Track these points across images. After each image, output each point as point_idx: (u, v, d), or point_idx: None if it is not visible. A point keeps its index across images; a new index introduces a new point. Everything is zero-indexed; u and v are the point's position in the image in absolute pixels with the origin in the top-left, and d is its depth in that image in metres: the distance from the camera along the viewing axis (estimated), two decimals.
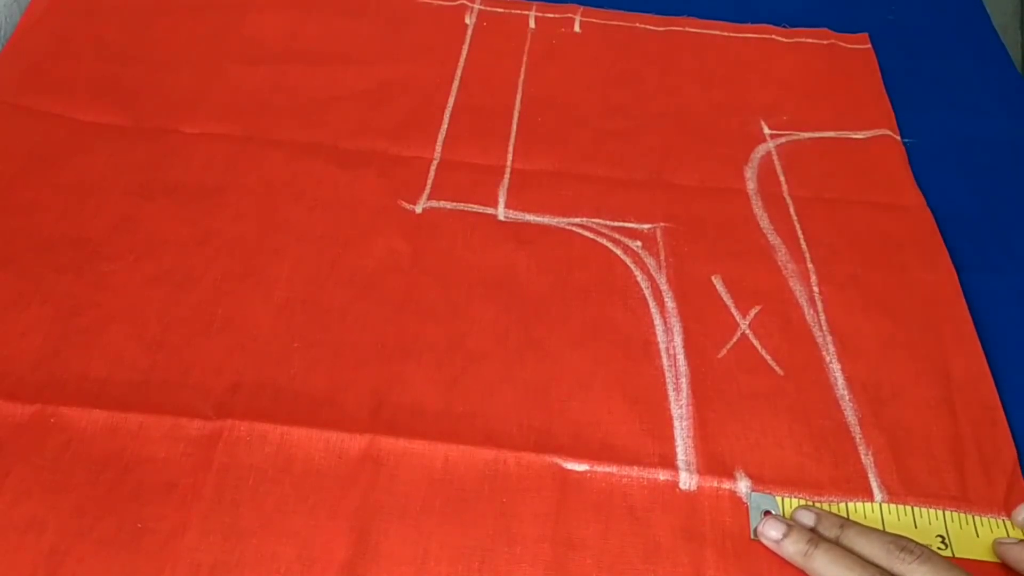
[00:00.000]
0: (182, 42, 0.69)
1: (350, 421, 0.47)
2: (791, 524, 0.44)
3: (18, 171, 0.58)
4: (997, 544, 0.45)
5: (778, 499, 0.46)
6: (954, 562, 0.42)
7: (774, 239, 0.59)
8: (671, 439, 0.48)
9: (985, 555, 0.45)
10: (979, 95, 0.72)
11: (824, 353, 0.53)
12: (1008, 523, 0.46)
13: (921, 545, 0.42)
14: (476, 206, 0.60)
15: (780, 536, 0.43)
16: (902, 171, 0.65)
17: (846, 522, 0.44)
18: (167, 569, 0.41)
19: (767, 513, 0.45)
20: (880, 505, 0.46)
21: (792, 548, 0.43)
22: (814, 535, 0.43)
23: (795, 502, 0.46)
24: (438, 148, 0.63)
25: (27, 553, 0.41)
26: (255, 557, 0.42)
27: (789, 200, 0.62)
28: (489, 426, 0.48)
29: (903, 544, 0.42)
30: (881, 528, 0.45)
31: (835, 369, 0.52)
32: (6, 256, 0.53)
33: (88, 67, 0.66)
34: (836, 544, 0.43)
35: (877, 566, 0.42)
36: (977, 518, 0.46)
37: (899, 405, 0.51)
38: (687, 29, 0.75)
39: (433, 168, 0.62)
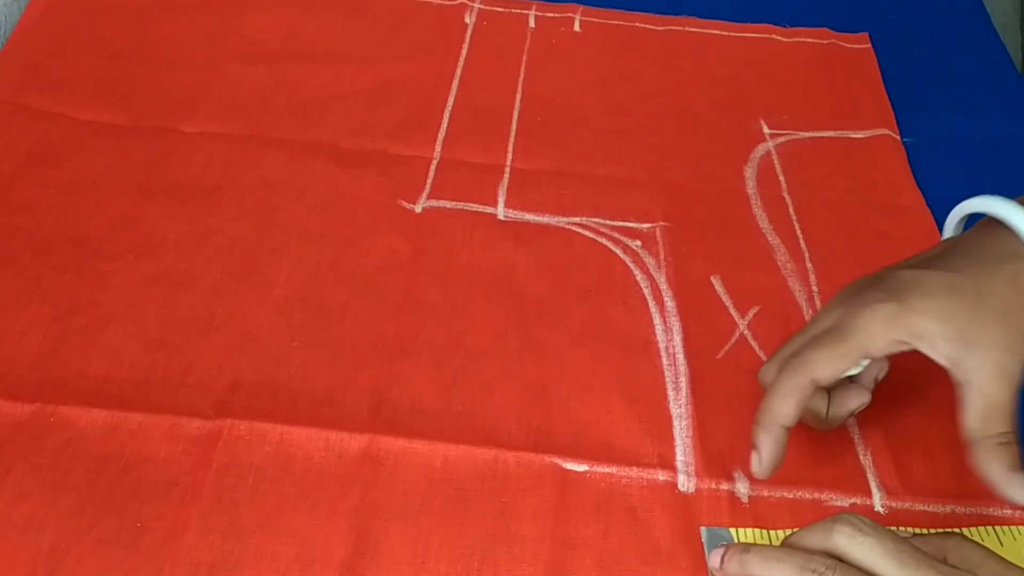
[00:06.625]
0: (182, 41, 0.69)
1: (349, 420, 0.47)
2: (728, 545, 0.42)
3: (17, 170, 0.58)
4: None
5: (732, 531, 0.45)
6: None
7: (773, 239, 0.59)
8: (670, 439, 0.48)
9: None
10: (979, 95, 0.72)
11: None
12: None
13: (864, 520, 0.39)
14: (476, 205, 0.59)
15: (718, 561, 0.41)
16: (902, 171, 0.65)
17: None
18: (166, 568, 0.41)
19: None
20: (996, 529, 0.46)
21: (730, 567, 0.41)
22: (747, 545, 0.41)
23: (750, 533, 0.45)
24: (438, 147, 0.63)
25: (27, 552, 0.41)
26: (254, 556, 0.42)
27: (788, 200, 0.62)
28: (488, 425, 0.48)
29: (833, 526, 0.39)
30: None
31: None
32: (6, 255, 0.53)
33: (87, 66, 0.66)
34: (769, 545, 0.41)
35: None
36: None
37: (897, 404, 0.51)
38: (687, 29, 0.75)
39: (433, 167, 0.62)
